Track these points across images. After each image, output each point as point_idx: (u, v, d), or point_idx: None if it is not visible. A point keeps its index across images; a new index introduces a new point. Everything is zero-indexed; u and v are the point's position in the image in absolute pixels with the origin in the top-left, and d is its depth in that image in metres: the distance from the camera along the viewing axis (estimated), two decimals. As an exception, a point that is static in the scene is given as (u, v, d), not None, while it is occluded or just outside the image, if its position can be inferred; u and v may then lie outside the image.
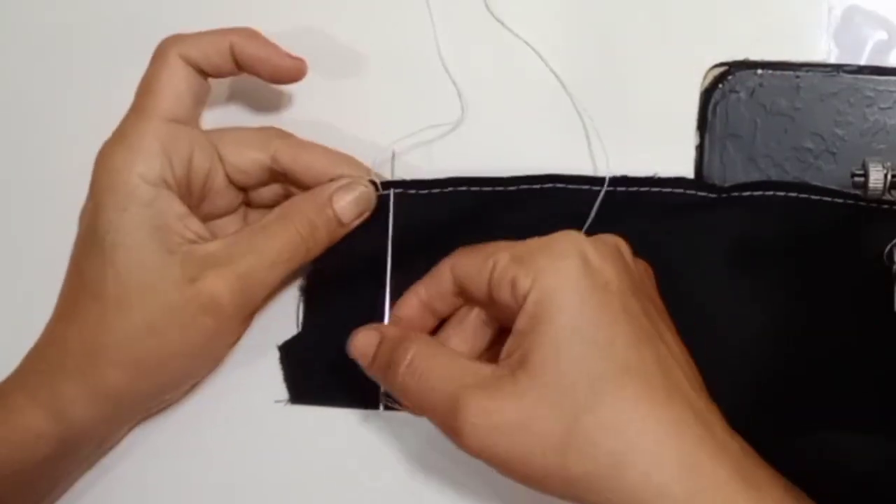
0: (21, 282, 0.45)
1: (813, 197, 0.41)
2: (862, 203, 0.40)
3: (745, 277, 0.41)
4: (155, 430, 0.43)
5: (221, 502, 0.43)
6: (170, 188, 0.39)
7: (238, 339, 0.42)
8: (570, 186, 0.41)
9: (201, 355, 0.41)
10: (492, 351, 0.39)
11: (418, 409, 0.36)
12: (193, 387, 0.43)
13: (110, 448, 0.43)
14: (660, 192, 0.41)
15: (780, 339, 0.40)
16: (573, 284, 0.34)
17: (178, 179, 0.39)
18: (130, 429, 0.43)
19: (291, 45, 0.41)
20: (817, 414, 0.40)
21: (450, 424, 0.34)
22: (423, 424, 0.42)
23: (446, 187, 0.42)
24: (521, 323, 0.34)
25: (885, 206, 0.40)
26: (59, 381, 0.38)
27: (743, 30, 0.43)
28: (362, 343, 0.38)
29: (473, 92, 0.44)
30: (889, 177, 0.38)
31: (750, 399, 0.40)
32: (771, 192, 0.41)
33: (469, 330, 0.39)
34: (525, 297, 0.34)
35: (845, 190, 0.40)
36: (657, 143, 0.42)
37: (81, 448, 0.40)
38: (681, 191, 0.41)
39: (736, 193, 0.41)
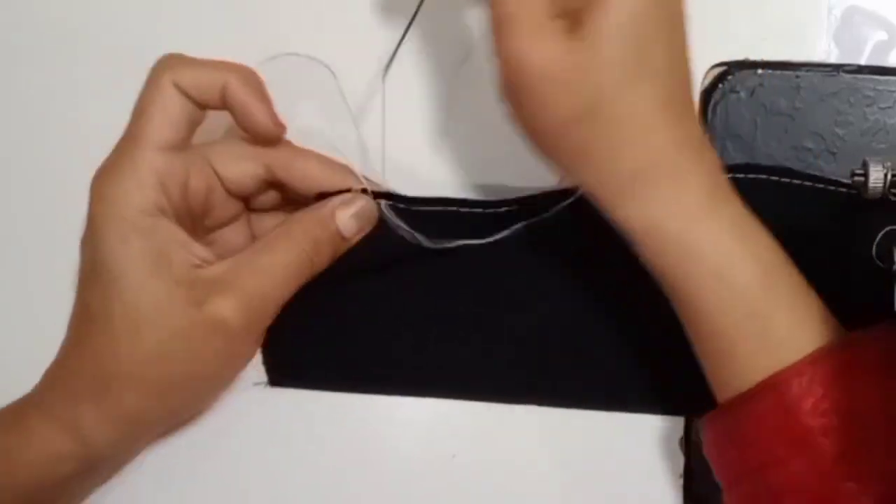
0: (27, 295, 0.45)
1: (795, 181, 0.41)
2: (842, 189, 0.40)
3: None
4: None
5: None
6: (168, 216, 0.38)
7: (250, 358, 0.42)
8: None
9: (214, 377, 0.40)
10: None
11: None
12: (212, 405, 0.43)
13: (128, 463, 0.43)
14: None
15: None
16: None
17: (175, 206, 0.39)
18: (147, 445, 0.43)
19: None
20: None
21: (497, 44, 0.34)
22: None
23: (435, 206, 0.42)
24: None
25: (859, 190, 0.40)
26: (78, 406, 0.38)
27: (743, 30, 0.43)
28: None
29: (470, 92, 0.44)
30: (889, 176, 0.38)
31: None
32: (752, 175, 0.41)
33: None
34: None
35: (829, 177, 0.40)
36: (657, 142, 0.42)
37: (102, 468, 0.40)
38: None
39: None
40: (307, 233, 0.40)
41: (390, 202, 0.42)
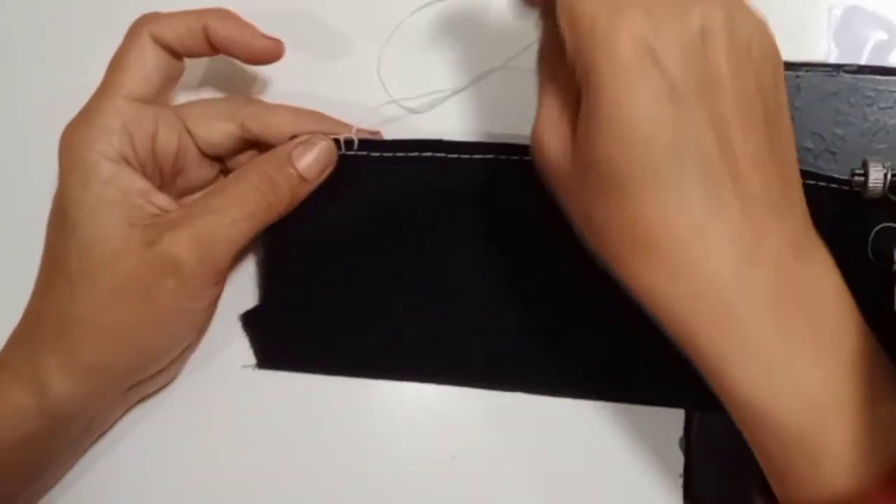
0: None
1: None
2: (834, 185, 0.40)
3: None
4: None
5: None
6: (131, 165, 0.39)
7: (210, 304, 0.41)
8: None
9: (172, 322, 0.40)
10: None
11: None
12: (180, 361, 0.43)
13: (102, 430, 0.43)
14: None
15: None
16: (624, 81, 0.30)
17: (140, 157, 0.39)
18: (124, 412, 0.43)
19: (273, 24, 0.41)
20: None
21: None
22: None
23: (411, 151, 0.42)
24: (577, 78, 0.32)
25: (856, 190, 0.40)
26: (38, 356, 0.38)
27: (743, 30, 0.43)
28: None
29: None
30: (889, 176, 0.38)
31: None
32: None
33: None
34: (573, 66, 0.31)
35: (818, 172, 0.40)
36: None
37: (68, 426, 0.40)
38: None
39: None
40: (262, 172, 0.40)
41: (363, 152, 0.41)
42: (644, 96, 0.30)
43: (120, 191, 0.38)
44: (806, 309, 0.32)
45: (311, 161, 0.40)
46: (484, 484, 0.42)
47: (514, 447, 0.42)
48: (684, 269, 0.31)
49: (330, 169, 0.41)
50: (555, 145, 0.33)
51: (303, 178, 0.40)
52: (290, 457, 0.43)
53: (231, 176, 0.40)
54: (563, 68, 0.32)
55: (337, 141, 0.41)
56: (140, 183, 0.39)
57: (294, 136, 0.41)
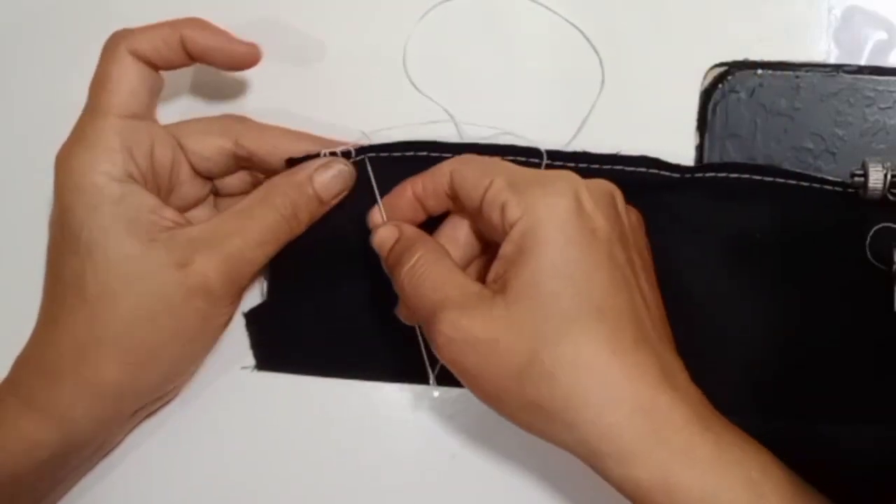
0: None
1: (778, 180, 0.40)
2: (828, 187, 0.40)
3: (707, 258, 0.41)
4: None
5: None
6: (137, 182, 0.39)
7: (228, 320, 0.42)
8: (532, 160, 0.41)
9: (194, 340, 0.40)
10: (482, 261, 0.40)
11: (410, 308, 0.37)
12: (191, 378, 0.43)
13: (109, 449, 0.43)
14: (622, 170, 0.41)
15: (741, 322, 0.40)
16: (562, 224, 0.34)
17: (143, 173, 0.39)
18: (132, 429, 0.43)
19: (252, 35, 0.41)
20: (806, 403, 0.40)
21: (428, 331, 0.36)
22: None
23: (407, 151, 0.42)
24: (506, 249, 0.35)
25: (851, 191, 0.40)
26: (56, 385, 0.38)
27: (743, 30, 0.43)
28: (383, 236, 0.39)
29: (464, 99, 0.44)
30: (889, 177, 0.38)
31: (730, 390, 0.39)
32: (735, 175, 0.41)
33: (461, 241, 0.39)
34: (512, 226, 0.35)
35: (812, 174, 0.40)
36: (656, 142, 0.42)
37: (82, 451, 0.40)
38: (643, 169, 0.41)
39: (700, 174, 0.41)
40: (285, 196, 0.40)
41: (361, 156, 0.41)
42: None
43: (133, 209, 0.38)
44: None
45: (331, 184, 0.40)
46: (484, 484, 0.42)
47: (514, 447, 0.42)
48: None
49: (345, 192, 0.41)
50: (477, 320, 0.34)
51: (321, 201, 0.40)
52: (291, 458, 0.43)
53: (253, 196, 0.40)
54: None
55: (334, 154, 0.41)
56: (150, 199, 0.39)
57: (290, 158, 0.41)
